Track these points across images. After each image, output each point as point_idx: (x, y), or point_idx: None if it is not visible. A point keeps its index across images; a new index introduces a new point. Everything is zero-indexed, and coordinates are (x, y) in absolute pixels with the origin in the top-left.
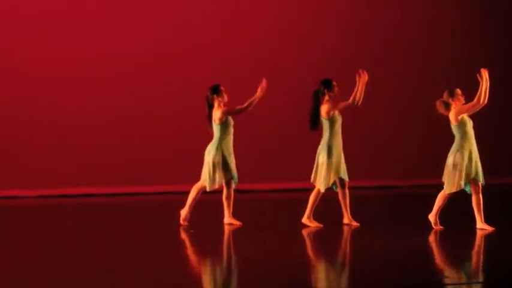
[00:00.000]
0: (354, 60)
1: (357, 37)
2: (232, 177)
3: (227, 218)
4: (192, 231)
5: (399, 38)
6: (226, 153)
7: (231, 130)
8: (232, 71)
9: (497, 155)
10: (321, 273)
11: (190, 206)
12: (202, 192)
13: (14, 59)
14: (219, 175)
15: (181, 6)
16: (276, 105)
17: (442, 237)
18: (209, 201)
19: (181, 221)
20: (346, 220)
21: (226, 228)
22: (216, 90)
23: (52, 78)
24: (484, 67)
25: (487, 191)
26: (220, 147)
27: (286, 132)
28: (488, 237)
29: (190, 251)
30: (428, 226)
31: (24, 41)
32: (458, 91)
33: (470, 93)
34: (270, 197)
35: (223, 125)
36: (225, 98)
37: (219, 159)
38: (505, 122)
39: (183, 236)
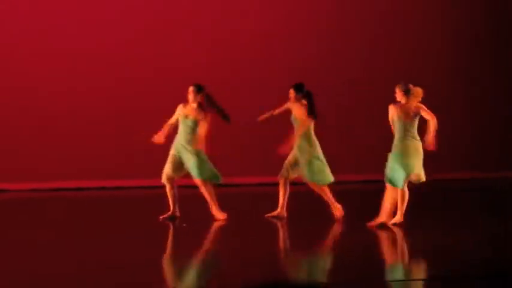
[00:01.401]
0: (333, 60)
1: (337, 36)
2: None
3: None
4: (184, 225)
5: (381, 38)
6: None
7: (182, 127)
8: (216, 70)
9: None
10: (296, 266)
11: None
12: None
13: (6, 56)
14: (166, 168)
15: (172, 6)
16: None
17: (412, 232)
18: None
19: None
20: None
21: (211, 222)
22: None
23: (43, 74)
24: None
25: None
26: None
27: (266, 127)
28: (457, 233)
29: (174, 245)
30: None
31: (12, 37)
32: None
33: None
34: (250, 191)
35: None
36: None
37: (171, 153)
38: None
39: (170, 230)
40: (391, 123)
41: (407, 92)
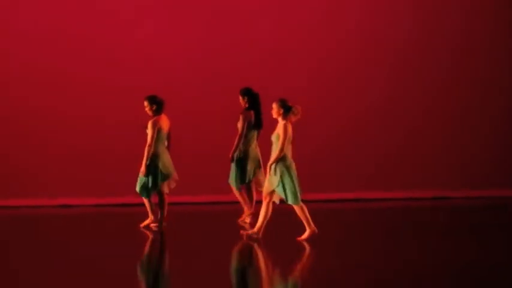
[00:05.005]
0: (364, 70)
1: (365, 44)
2: None
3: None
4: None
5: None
6: None
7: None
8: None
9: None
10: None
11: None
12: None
13: (39, 70)
14: None
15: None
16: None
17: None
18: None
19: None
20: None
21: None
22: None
23: (102, 91)
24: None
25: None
26: None
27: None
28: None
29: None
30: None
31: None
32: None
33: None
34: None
35: None
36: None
37: None
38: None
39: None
40: (285, 140)
41: (288, 110)
